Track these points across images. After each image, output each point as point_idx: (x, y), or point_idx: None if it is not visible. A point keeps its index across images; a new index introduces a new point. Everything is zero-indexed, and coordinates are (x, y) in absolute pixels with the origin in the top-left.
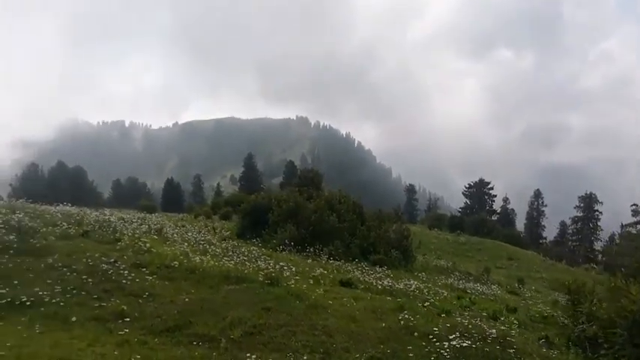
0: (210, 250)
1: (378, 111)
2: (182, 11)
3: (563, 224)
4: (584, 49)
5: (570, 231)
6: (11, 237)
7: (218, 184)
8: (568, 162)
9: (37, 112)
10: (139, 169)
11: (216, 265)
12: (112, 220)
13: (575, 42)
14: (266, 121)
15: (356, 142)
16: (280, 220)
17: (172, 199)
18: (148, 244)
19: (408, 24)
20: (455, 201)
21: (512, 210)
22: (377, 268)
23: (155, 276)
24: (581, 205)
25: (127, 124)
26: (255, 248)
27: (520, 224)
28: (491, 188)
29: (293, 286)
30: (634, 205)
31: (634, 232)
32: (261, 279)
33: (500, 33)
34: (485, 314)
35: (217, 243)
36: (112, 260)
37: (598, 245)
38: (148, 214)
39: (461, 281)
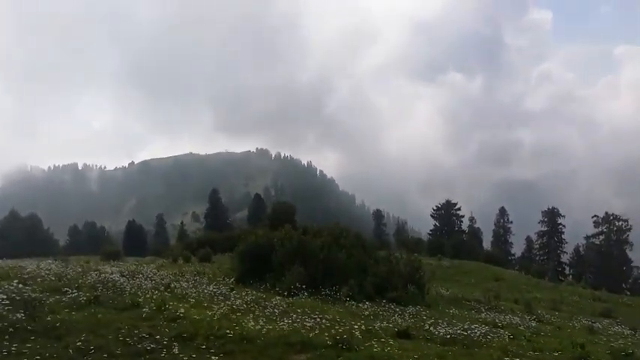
0: (235, 306)
1: (337, 139)
2: (130, 49)
3: (529, 239)
4: (526, 70)
5: (537, 245)
6: (18, 315)
7: (182, 223)
8: (523, 177)
9: None
10: (95, 212)
11: (270, 328)
12: (114, 277)
13: (518, 64)
14: (225, 155)
15: (318, 171)
16: (285, 261)
17: (135, 242)
18: (179, 308)
19: (360, 53)
20: (418, 224)
21: (479, 229)
22: (393, 306)
23: (211, 350)
24: (545, 219)
25: (79, 167)
26: (272, 297)
27: (487, 242)
28: (459, 209)
29: (377, 349)
30: (595, 216)
31: (597, 242)
32: (330, 343)
33: (450, 58)
34: None
35: (231, 294)
36: (148, 335)
37: (565, 258)
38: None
39: (488, 314)
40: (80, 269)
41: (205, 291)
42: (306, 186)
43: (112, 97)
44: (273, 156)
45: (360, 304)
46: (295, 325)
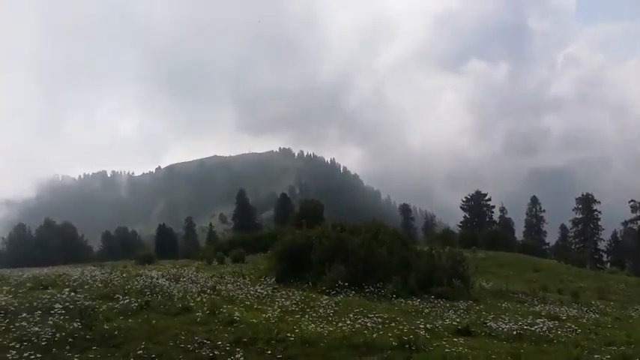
0: (286, 307)
1: (360, 135)
2: (151, 52)
3: (563, 228)
4: (551, 55)
5: (572, 233)
6: (75, 324)
7: (210, 225)
8: (551, 166)
9: (13, 169)
10: (125, 217)
11: (331, 330)
12: (159, 281)
13: (543, 49)
14: (250, 156)
15: (341, 167)
16: (325, 259)
17: (166, 245)
18: (233, 312)
19: (380, 47)
20: (446, 217)
21: (510, 219)
22: (442, 302)
23: (276, 355)
24: (580, 206)
25: (109, 174)
26: (318, 296)
27: (518, 233)
28: (489, 200)
29: (448, 349)
30: (632, 201)
31: (635, 228)
32: (395, 344)
33: (472, 46)
34: None
35: (277, 294)
36: (207, 340)
37: (602, 245)
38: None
39: (542, 306)
40: (125, 275)
41: (251, 292)
42: (330, 183)
43: (135, 102)
44: (297, 155)
45: (409, 301)
46: (354, 325)
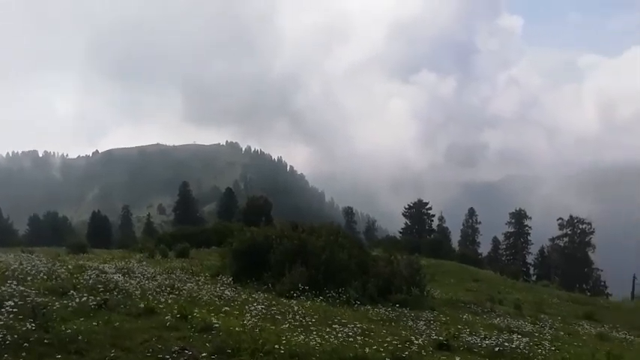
0: (257, 312)
1: (308, 135)
2: (96, 33)
3: (495, 240)
4: (495, 74)
5: (504, 246)
6: (28, 325)
7: (149, 215)
8: (487, 179)
9: None
10: (55, 200)
11: (319, 342)
12: (115, 277)
13: (488, 68)
14: (194, 147)
15: (288, 166)
16: (284, 260)
17: (99, 233)
18: (205, 316)
19: (333, 50)
20: (386, 222)
21: (447, 228)
22: (407, 311)
23: None
24: (512, 220)
25: (40, 154)
26: (280, 299)
27: (454, 242)
28: (430, 208)
29: None
30: (560, 219)
31: (561, 244)
32: (388, 359)
33: (424, 58)
34: None
35: (240, 296)
36: (185, 350)
37: (530, 259)
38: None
39: (499, 319)
40: (70, 266)
41: (214, 293)
42: (276, 181)
43: (74, 82)
44: (244, 150)
45: (373, 308)
46: (337, 336)
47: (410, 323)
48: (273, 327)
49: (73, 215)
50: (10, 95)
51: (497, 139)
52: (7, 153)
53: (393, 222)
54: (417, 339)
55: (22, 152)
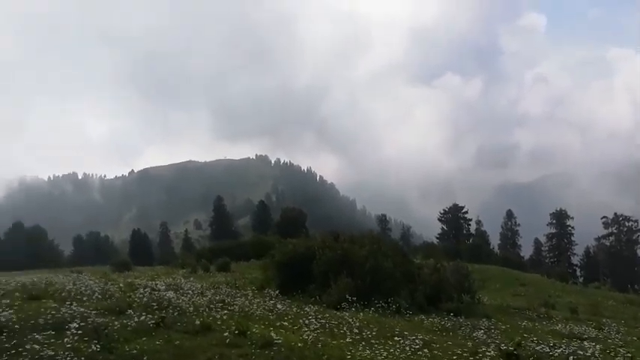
0: (314, 326)
1: (336, 144)
2: (128, 56)
3: (537, 242)
4: (521, 74)
5: (546, 248)
6: (93, 346)
7: (186, 231)
8: (520, 180)
9: None
10: (96, 221)
11: (385, 356)
12: (167, 295)
13: (513, 68)
14: (225, 162)
15: (318, 176)
16: (328, 271)
17: (140, 251)
18: (264, 332)
19: (357, 58)
20: (420, 228)
21: (485, 232)
22: (462, 320)
23: None
24: (553, 221)
25: (80, 176)
26: (330, 311)
27: (492, 245)
28: (466, 212)
29: None
30: (604, 217)
31: (607, 244)
32: None
33: (446, 61)
34: None
35: (292, 310)
36: None
37: (575, 260)
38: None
39: (562, 325)
40: (122, 285)
41: (266, 307)
42: (306, 192)
43: (109, 105)
44: (273, 162)
45: (427, 318)
46: (403, 349)
47: (468, 332)
48: (335, 341)
49: (113, 234)
50: (48, 121)
51: (528, 138)
52: (49, 177)
53: (427, 228)
54: (484, 350)
55: (63, 175)
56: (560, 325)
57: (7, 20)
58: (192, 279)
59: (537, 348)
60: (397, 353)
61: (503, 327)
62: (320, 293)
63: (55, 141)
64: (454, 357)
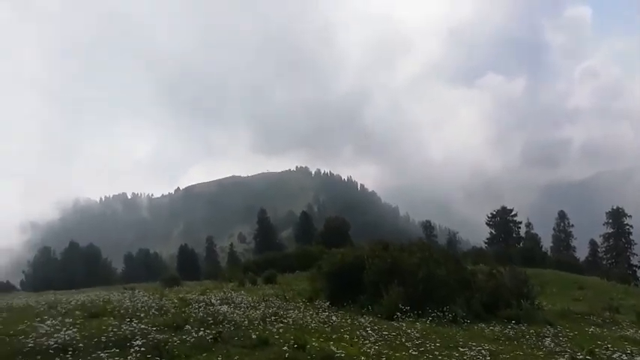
0: (374, 338)
1: (376, 151)
2: (166, 77)
3: (593, 243)
4: (568, 68)
5: (603, 249)
6: None
7: (231, 245)
8: (571, 179)
9: (37, 192)
10: (146, 238)
11: None
12: (222, 309)
13: (559, 62)
14: (267, 175)
15: (359, 185)
16: (379, 281)
17: (188, 266)
18: (324, 345)
19: (394, 63)
20: (466, 233)
21: (536, 234)
22: (524, 327)
23: None
24: (610, 220)
25: (129, 196)
26: (386, 322)
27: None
28: (515, 215)
29: None
30: None
31: None
32: None
33: (487, 60)
34: None
35: (346, 321)
36: None
37: (635, 260)
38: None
39: (625, 330)
40: (176, 300)
41: (318, 319)
42: (348, 201)
43: (152, 126)
44: (313, 173)
45: (488, 327)
46: None
47: (534, 341)
48: (397, 354)
49: (162, 250)
50: (98, 144)
51: (580, 134)
52: (101, 198)
53: (473, 232)
54: (557, 359)
55: (113, 196)
56: (631, 331)
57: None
58: (242, 292)
59: (614, 356)
60: None
61: (571, 334)
62: (371, 303)
63: (104, 163)
64: None
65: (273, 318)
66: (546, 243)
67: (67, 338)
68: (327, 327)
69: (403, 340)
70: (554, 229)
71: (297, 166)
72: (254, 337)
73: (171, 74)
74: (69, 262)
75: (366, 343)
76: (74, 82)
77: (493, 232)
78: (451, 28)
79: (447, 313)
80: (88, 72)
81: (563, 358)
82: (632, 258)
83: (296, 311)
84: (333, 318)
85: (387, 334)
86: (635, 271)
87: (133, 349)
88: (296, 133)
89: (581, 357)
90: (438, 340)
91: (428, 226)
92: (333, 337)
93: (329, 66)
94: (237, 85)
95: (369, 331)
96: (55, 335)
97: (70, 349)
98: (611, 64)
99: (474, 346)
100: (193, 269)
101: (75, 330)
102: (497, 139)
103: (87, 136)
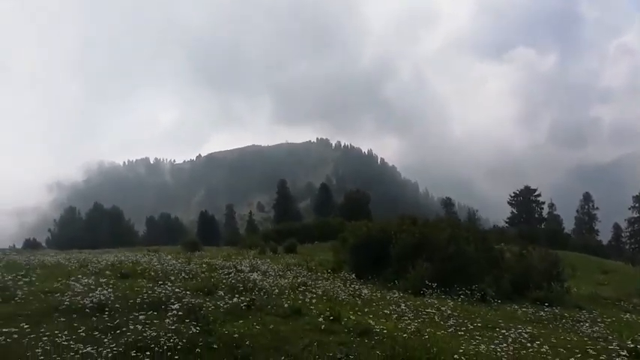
0: (408, 314)
1: (398, 125)
2: (191, 44)
3: (617, 227)
4: (602, 44)
5: (627, 233)
6: (193, 328)
7: (250, 213)
8: (600, 160)
9: (63, 155)
10: (167, 202)
11: (496, 351)
12: (253, 276)
13: (593, 38)
14: (287, 145)
15: (379, 158)
16: (406, 256)
17: (208, 232)
18: (362, 319)
19: (421, 34)
20: (486, 211)
21: (558, 216)
22: (558, 310)
23: None
24: (636, 204)
25: (152, 161)
26: (416, 298)
27: (567, 230)
28: (539, 195)
29: None
30: None
31: None
32: None
33: (518, 34)
34: None
35: (376, 294)
36: (352, 356)
37: None
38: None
39: None
40: (204, 265)
41: (347, 291)
42: (367, 174)
43: (177, 95)
44: (334, 145)
45: (517, 307)
46: (517, 344)
47: (570, 325)
48: (438, 332)
49: (182, 215)
50: (122, 111)
51: (611, 114)
52: (124, 162)
53: (494, 211)
54: (606, 346)
55: (137, 160)
56: None
57: (85, 20)
58: (268, 260)
59: None
60: (497, 344)
61: (608, 320)
62: (397, 278)
63: (129, 130)
64: (578, 355)
65: (303, 288)
66: (568, 225)
67: (103, 298)
68: (359, 300)
69: (437, 318)
70: (577, 211)
71: (317, 138)
72: (286, 306)
73: (193, 47)
74: (93, 222)
75: (404, 319)
76: (103, 53)
77: (515, 211)
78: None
79: (475, 292)
80: (115, 44)
81: (611, 345)
82: None
83: (325, 282)
84: (365, 291)
85: (421, 311)
86: None
87: (170, 313)
88: (317, 104)
89: (631, 345)
90: (478, 320)
91: (448, 203)
92: (365, 310)
93: (353, 36)
94: (262, 56)
95: (403, 307)
96: (90, 294)
97: (107, 309)
98: None
99: (512, 327)
100: (213, 235)
101: (110, 290)
102: (524, 115)
103: (112, 105)
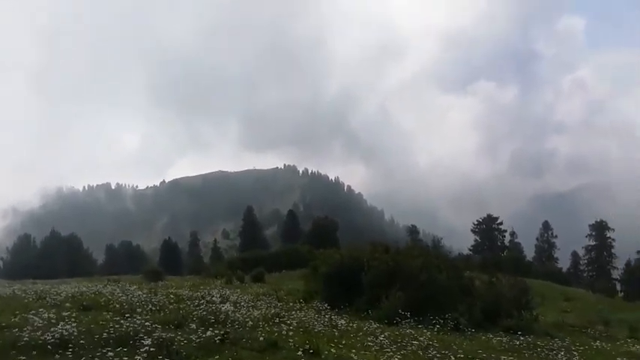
0: (388, 346)
1: (364, 154)
2: (156, 66)
3: (575, 255)
4: (558, 79)
5: (585, 261)
6: None
7: (215, 241)
8: (557, 189)
9: (18, 178)
10: (128, 230)
11: None
12: (221, 307)
13: (550, 73)
14: (254, 172)
15: (345, 186)
16: (379, 284)
17: (171, 260)
18: (342, 353)
19: (387, 66)
20: (450, 239)
21: (519, 244)
22: (531, 339)
23: None
24: (593, 232)
25: (113, 186)
26: (389, 329)
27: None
28: (501, 223)
29: None
30: None
31: None
32: None
33: (480, 67)
34: None
35: (352, 326)
36: None
37: (615, 274)
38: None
39: (631, 346)
40: (172, 296)
41: (322, 322)
42: (334, 202)
43: (139, 116)
44: (301, 172)
45: (498, 337)
46: None
47: (546, 354)
48: None
49: (144, 243)
50: (83, 132)
51: (566, 146)
52: (84, 187)
53: (457, 239)
54: None
55: (97, 185)
56: (637, 347)
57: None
58: (237, 290)
59: None
60: None
61: (581, 348)
62: (370, 307)
63: (89, 152)
64: None
65: (277, 319)
66: (529, 252)
67: (65, 333)
68: (335, 331)
69: (417, 349)
70: (537, 239)
71: (284, 164)
72: (261, 339)
73: (160, 66)
74: (49, 250)
75: (386, 351)
76: (61, 71)
77: (478, 239)
78: (446, 34)
79: (448, 321)
80: (75, 62)
81: None
82: (612, 271)
83: (299, 313)
84: (341, 322)
85: (400, 342)
86: (615, 285)
87: (142, 349)
88: (285, 130)
89: None
90: (460, 351)
91: (413, 231)
92: (344, 342)
93: (321, 66)
94: (228, 81)
95: (381, 338)
96: (52, 329)
97: (70, 345)
98: (600, 78)
99: (494, 357)
100: (176, 264)
101: (73, 324)
102: (486, 146)
103: (72, 125)
